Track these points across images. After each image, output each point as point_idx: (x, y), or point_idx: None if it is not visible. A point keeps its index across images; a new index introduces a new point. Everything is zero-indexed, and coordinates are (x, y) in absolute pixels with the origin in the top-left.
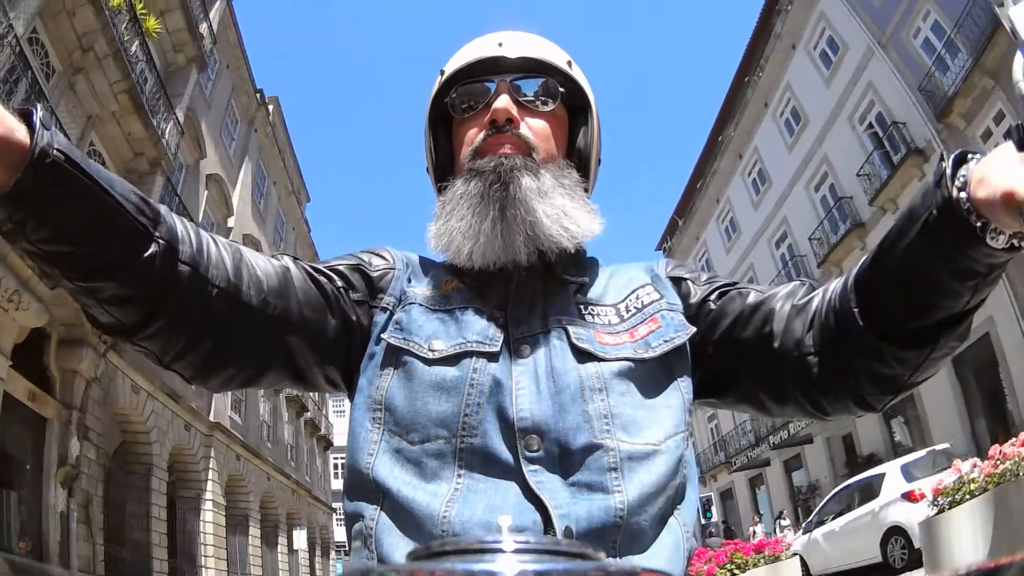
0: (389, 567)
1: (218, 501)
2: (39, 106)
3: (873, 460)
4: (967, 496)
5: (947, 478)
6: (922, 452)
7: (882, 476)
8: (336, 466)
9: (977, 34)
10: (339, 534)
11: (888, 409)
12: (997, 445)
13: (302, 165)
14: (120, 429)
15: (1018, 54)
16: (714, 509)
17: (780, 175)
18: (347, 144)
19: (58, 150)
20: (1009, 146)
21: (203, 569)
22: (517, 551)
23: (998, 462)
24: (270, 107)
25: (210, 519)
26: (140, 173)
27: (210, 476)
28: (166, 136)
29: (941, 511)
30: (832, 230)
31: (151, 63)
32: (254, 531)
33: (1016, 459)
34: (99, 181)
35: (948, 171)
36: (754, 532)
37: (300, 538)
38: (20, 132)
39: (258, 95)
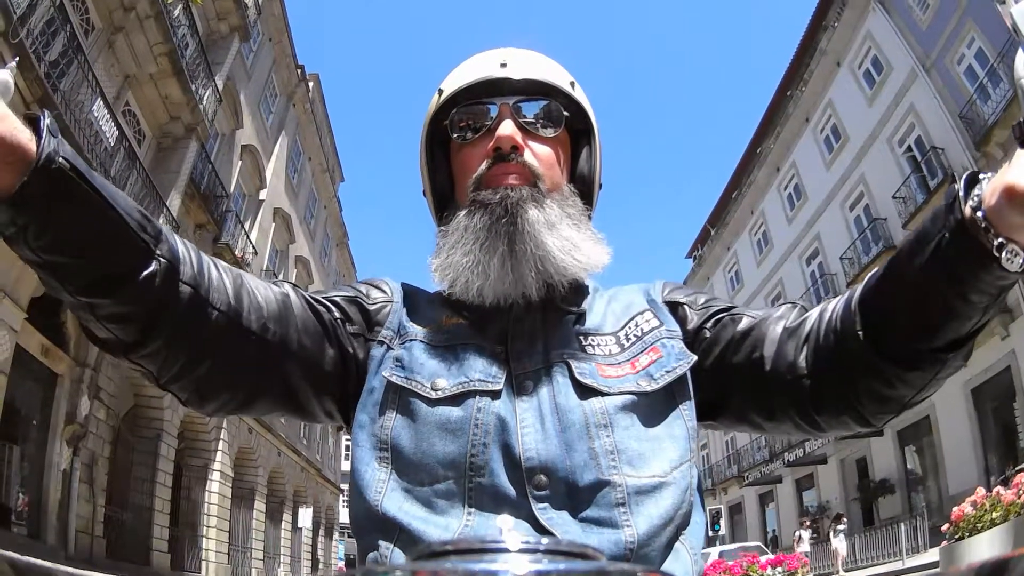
0: (392, 566)
1: (226, 473)
2: (46, 112)
3: (886, 486)
4: (988, 524)
5: (967, 507)
6: (735, 545)
7: (707, 554)
8: (348, 447)
9: None
10: (344, 515)
11: (904, 436)
12: (1022, 475)
13: (338, 144)
14: (133, 392)
15: (1020, 51)
16: (723, 522)
17: (816, 191)
18: (386, 129)
19: (64, 158)
20: (1018, 152)
21: (204, 539)
22: (523, 551)
23: (1021, 491)
24: (310, 83)
25: (216, 490)
26: (175, 137)
27: (220, 447)
28: (204, 102)
29: (961, 538)
30: (864, 251)
31: (193, 28)
32: (259, 505)
33: None
34: (103, 193)
35: (960, 192)
36: (800, 538)
37: (305, 516)
38: (26, 136)
39: (299, 70)
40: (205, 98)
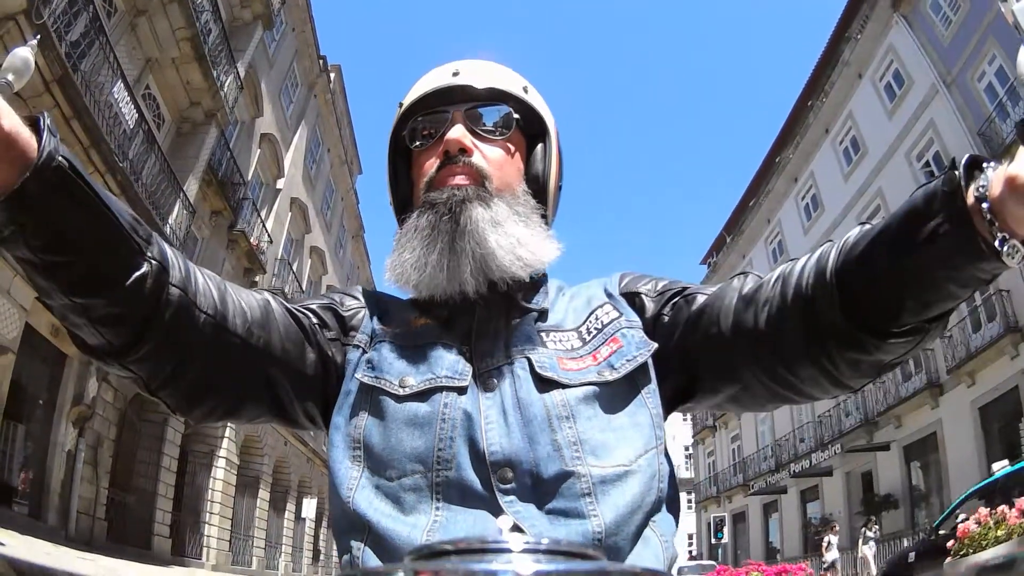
0: (394, 566)
1: (231, 460)
2: (45, 113)
3: (890, 501)
4: (992, 542)
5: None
6: (692, 563)
7: None
8: None
9: None
10: None
11: (911, 452)
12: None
13: (357, 137)
14: None
15: (1022, 48)
16: (726, 530)
17: (833, 203)
18: None
19: (63, 156)
20: (1022, 148)
21: (207, 525)
22: (525, 551)
23: None
24: (332, 75)
25: (221, 477)
26: (195, 123)
27: (226, 434)
28: (225, 89)
29: (965, 555)
30: None
31: (216, 14)
32: (263, 494)
33: None
34: (99, 194)
35: (961, 178)
36: (828, 543)
37: (309, 507)
38: (27, 134)
39: (321, 61)
40: (226, 85)
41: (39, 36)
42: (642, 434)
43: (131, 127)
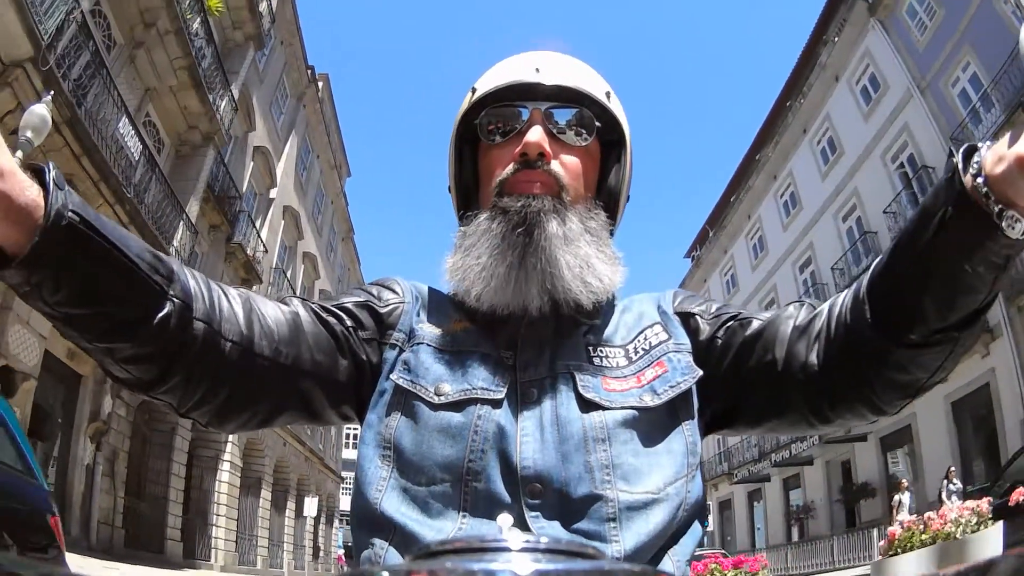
0: (390, 567)
1: (235, 463)
2: (51, 164)
3: (867, 489)
4: (918, 544)
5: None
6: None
7: None
8: (348, 436)
9: (1012, 92)
10: (344, 503)
11: (887, 442)
12: (944, 507)
13: (345, 138)
14: None
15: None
16: (711, 519)
17: (811, 201)
18: (392, 122)
19: (73, 211)
20: None
21: (214, 528)
22: (523, 550)
23: (947, 522)
24: (320, 84)
25: (226, 479)
26: (193, 145)
27: (230, 438)
28: (220, 111)
29: (894, 555)
30: (855, 262)
31: (210, 38)
32: (265, 494)
33: (957, 521)
34: (114, 241)
35: (959, 163)
36: (900, 503)
37: (311, 505)
38: (35, 192)
39: (309, 71)
40: (222, 108)
41: (52, 92)
42: (674, 461)
43: (135, 157)
